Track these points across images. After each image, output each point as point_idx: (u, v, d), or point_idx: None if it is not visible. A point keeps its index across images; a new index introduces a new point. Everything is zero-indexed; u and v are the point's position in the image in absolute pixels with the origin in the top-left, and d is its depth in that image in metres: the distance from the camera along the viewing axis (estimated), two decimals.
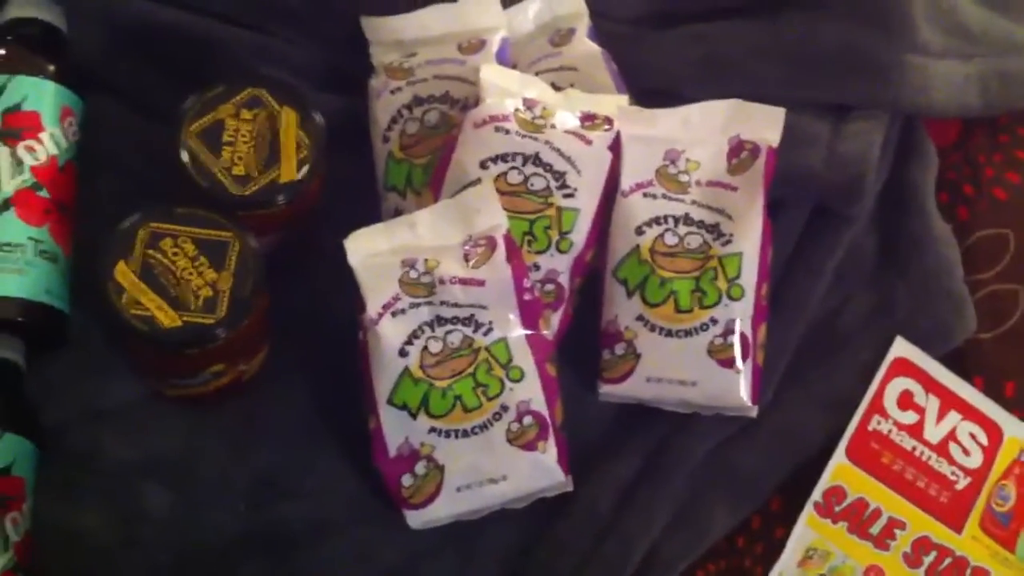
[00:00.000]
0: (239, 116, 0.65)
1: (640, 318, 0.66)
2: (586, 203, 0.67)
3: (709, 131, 0.69)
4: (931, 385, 0.69)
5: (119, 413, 0.65)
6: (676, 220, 0.68)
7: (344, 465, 0.66)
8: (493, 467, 0.63)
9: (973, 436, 0.69)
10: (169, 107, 0.65)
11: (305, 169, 0.65)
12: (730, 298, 0.66)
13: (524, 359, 0.64)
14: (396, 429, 0.62)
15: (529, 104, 0.68)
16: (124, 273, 0.61)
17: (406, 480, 0.62)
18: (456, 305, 0.63)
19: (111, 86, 0.72)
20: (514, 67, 0.72)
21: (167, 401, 0.66)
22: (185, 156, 0.64)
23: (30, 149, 0.67)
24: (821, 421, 0.69)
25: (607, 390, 0.67)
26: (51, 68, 0.69)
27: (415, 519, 0.63)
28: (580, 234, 0.66)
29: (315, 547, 0.64)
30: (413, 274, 0.64)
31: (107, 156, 0.71)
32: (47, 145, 0.67)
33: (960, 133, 0.79)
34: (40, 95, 0.68)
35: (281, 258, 0.67)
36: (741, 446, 0.68)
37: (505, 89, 0.68)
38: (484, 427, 0.63)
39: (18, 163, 0.66)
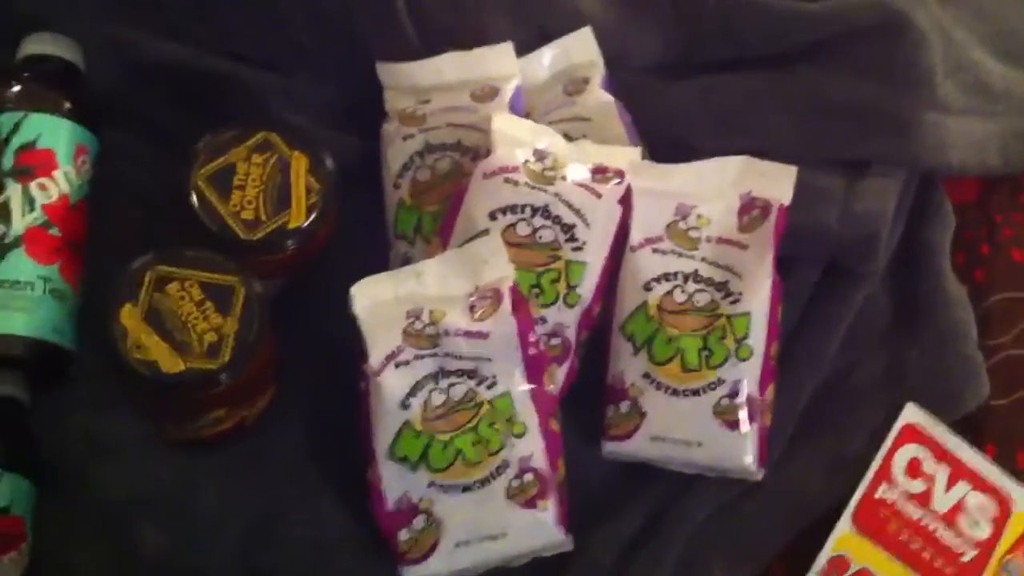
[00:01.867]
0: (250, 160, 0.65)
1: (646, 376, 0.66)
2: (594, 257, 0.66)
3: (721, 187, 0.69)
4: (941, 453, 0.68)
5: (119, 451, 0.65)
6: (685, 277, 0.67)
7: (341, 513, 0.65)
8: (492, 524, 0.62)
9: (982, 507, 0.67)
10: (184, 145, 0.65)
11: (314, 215, 0.65)
12: (738, 358, 0.65)
13: (527, 414, 0.63)
14: (395, 482, 0.62)
15: (540, 155, 0.67)
16: (129, 316, 0.61)
17: (403, 535, 0.62)
18: (460, 357, 0.63)
19: (127, 123, 0.73)
20: (528, 115, 0.72)
21: (168, 441, 0.66)
22: (194, 199, 0.64)
23: (43, 187, 0.67)
24: (827, 485, 0.68)
25: (611, 448, 0.66)
26: (67, 105, 0.69)
27: (411, 575, 0.62)
28: (588, 288, 0.66)
29: None
30: (418, 325, 0.63)
31: (121, 193, 0.71)
32: (60, 183, 0.68)
33: (979, 191, 0.78)
34: (55, 133, 0.68)
35: (288, 302, 0.67)
36: (745, 508, 0.67)
37: (517, 139, 0.67)
38: (484, 482, 0.62)
39: (30, 201, 0.66)
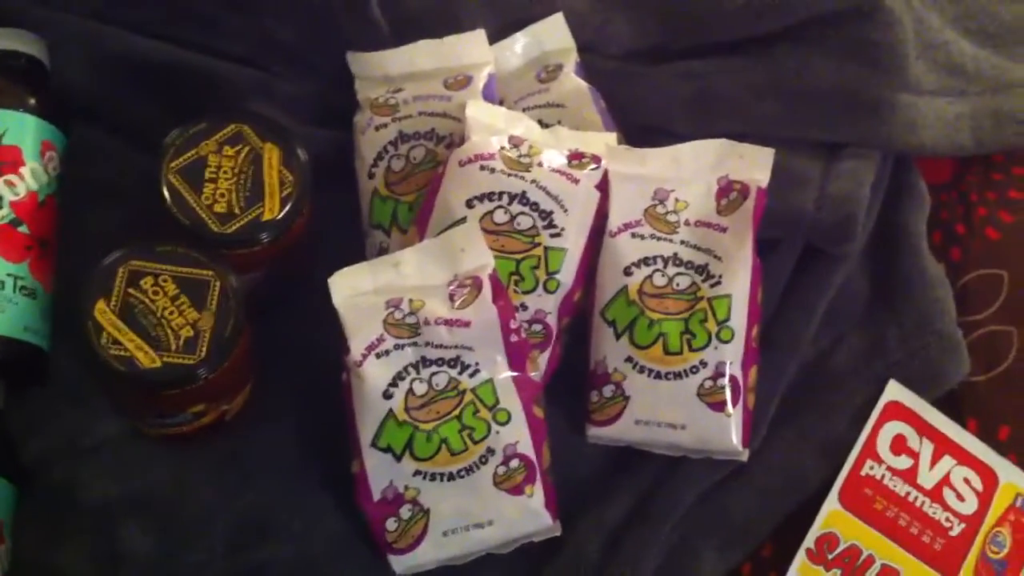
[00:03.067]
0: (221, 152, 0.64)
1: (629, 360, 0.65)
2: (573, 243, 0.66)
3: (698, 171, 0.68)
4: (925, 429, 0.68)
5: (100, 450, 0.64)
6: (665, 261, 0.67)
7: (328, 507, 0.65)
8: (479, 511, 0.62)
9: (968, 481, 0.67)
10: (154, 140, 0.64)
11: (288, 207, 0.64)
12: (720, 340, 0.65)
13: (511, 401, 0.63)
14: (380, 472, 0.61)
15: (515, 142, 0.67)
16: (104, 312, 0.60)
17: (390, 524, 0.61)
18: (441, 346, 0.62)
19: (95, 118, 0.71)
20: (501, 103, 0.72)
21: (149, 439, 0.65)
22: (166, 193, 0.63)
23: (10, 184, 0.66)
24: (813, 465, 0.68)
25: (595, 432, 0.66)
26: (32, 102, 0.68)
27: (400, 564, 0.62)
28: (568, 274, 0.66)
29: None
30: (398, 315, 0.63)
31: (91, 189, 0.70)
32: (27, 180, 0.66)
33: (954, 171, 0.78)
34: (21, 129, 0.67)
35: (265, 295, 0.66)
36: (732, 490, 0.67)
37: (491, 126, 0.67)
38: (470, 470, 0.62)
39: None
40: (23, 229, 0.66)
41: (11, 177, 0.66)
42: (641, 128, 0.72)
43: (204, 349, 0.59)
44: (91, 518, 0.63)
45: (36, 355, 0.65)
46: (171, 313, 0.60)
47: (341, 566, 0.64)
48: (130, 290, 0.60)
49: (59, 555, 0.62)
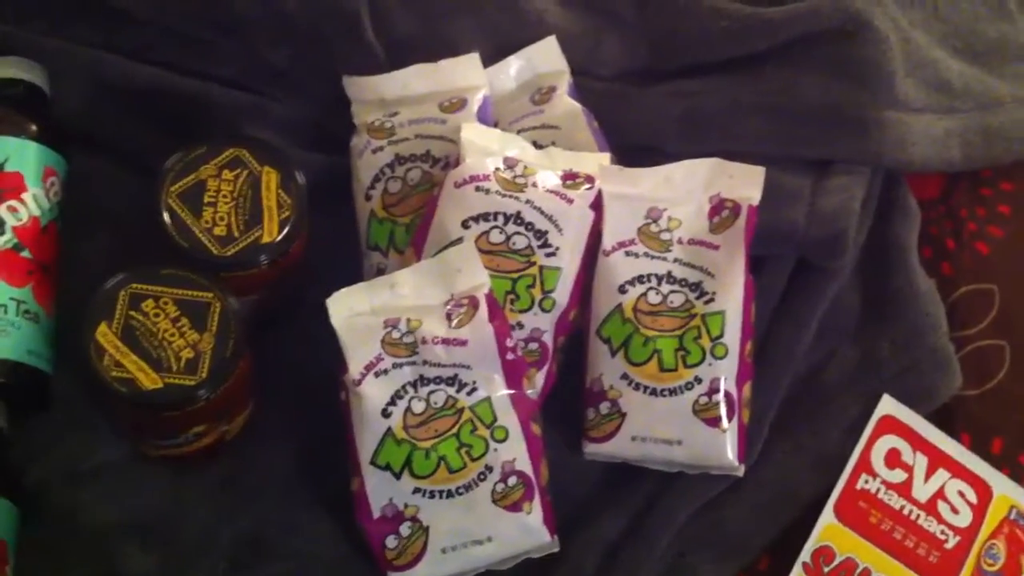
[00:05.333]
0: (220, 176, 0.65)
1: (624, 377, 0.66)
2: (568, 262, 0.66)
3: (690, 189, 0.69)
4: (919, 443, 0.69)
5: (101, 473, 0.65)
6: (659, 279, 0.68)
7: (327, 526, 0.65)
8: (478, 528, 0.62)
9: (962, 494, 0.68)
10: (153, 165, 0.65)
11: (287, 230, 0.65)
12: (714, 357, 0.66)
13: (508, 419, 0.63)
14: (380, 490, 0.62)
15: (510, 163, 0.68)
16: (106, 335, 0.60)
17: (391, 542, 0.62)
18: (439, 365, 0.63)
19: (95, 145, 0.72)
20: (495, 125, 0.72)
21: (150, 461, 0.66)
22: (166, 217, 0.64)
23: (12, 210, 0.67)
24: (809, 478, 0.68)
25: (592, 449, 0.67)
26: (33, 128, 0.69)
27: None
28: (563, 293, 0.66)
29: None
30: (396, 334, 0.63)
31: (91, 215, 0.71)
32: (29, 206, 0.67)
33: (942, 187, 0.79)
34: (23, 156, 0.68)
35: (264, 317, 0.66)
36: (728, 505, 0.67)
37: (485, 148, 0.68)
38: (469, 488, 0.62)
39: (0, 223, 0.66)
40: (25, 254, 0.66)
41: (13, 203, 0.67)
42: (633, 148, 0.73)
43: (205, 370, 0.60)
44: (92, 541, 0.63)
45: (39, 379, 0.66)
46: (172, 335, 0.61)
47: None
48: (132, 313, 0.61)
49: None
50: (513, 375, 0.64)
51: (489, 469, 0.62)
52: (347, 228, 0.71)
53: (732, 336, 0.66)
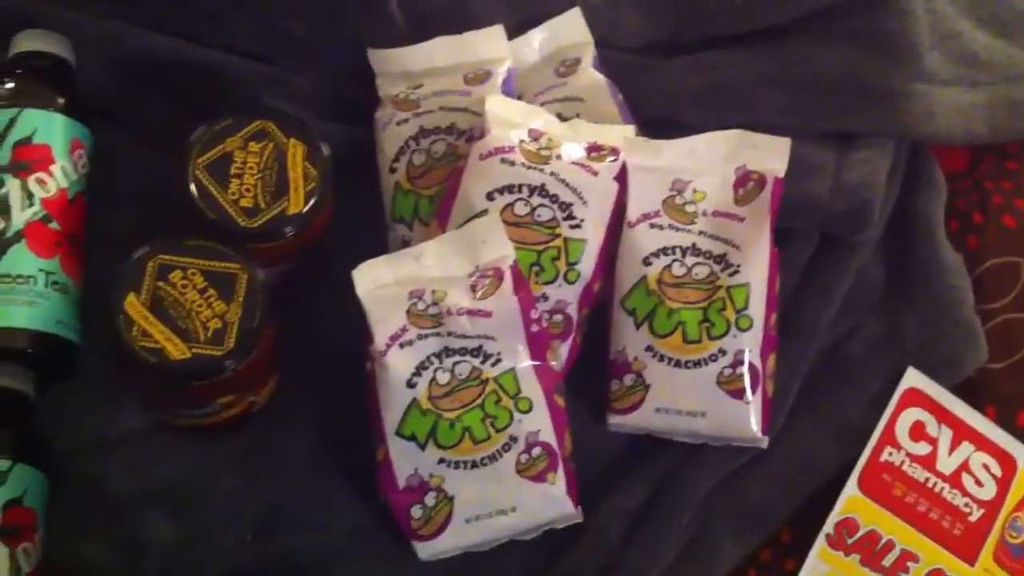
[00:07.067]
0: (247, 148, 0.65)
1: (649, 349, 0.66)
2: (593, 234, 0.67)
3: (715, 161, 0.69)
4: (944, 416, 0.69)
5: (128, 443, 0.66)
6: (683, 251, 0.67)
7: (352, 496, 0.66)
8: (502, 498, 0.62)
9: (986, 467, 0.68)
10: (178, 138, 0.65)
11: (312, 201, 0.65)
12: (739, 329, 0.66)
13: (532, 390, 0.63)
14: (405, 460, 0.62)
15: (535, 135, 0.68)
16: (134, 305, 0.61)
17: (416, 511, 0.62)
18: (464, 336, 0.63)
19: (120, 118, 0.73)
20: (519, 98, 0.72)
21: (176, 431, 0.66)
22: (193, 188, 0.64)
23: (41, 182, 0.67)
24: (832, 451, 0.69)
25: (616, 421, 0.67)
26: (60, 101, 0.69)
27: (424, 551, 0.62)
28: (587, 265, 0.66)
29: None
30: (421, 305, 0.63)
31: (117, 188, 0.71)
32: (57, 178, 0.68)
33: (969, 160, 0.79)
34: (50, 128, 0.68)
35: (289, 289, 0.67)
36: (751, 476, 0.67)
37: (510, 120, 0.68)
38: (493, 458, 0.62)
39: (29, 196, 0.66)
40: (54, 225, 0.67)
41: (41, 175, 0.67)
42: (655, 120, 0.73)
43: (232, 340, 0.61)
44: (118, 509, 0.64)
45: (67, 349, 0.66)
46: (200, 306, 0.61)
47: (365, 554, 0.65)
48: (160, 283, 0.61)
49: (86, 545, 0.63)
50: (537, 346, 0.64)
51: (513, 440, 0.63)
52: (368, 200, 0.71)
53: (757, 308, 0.66)
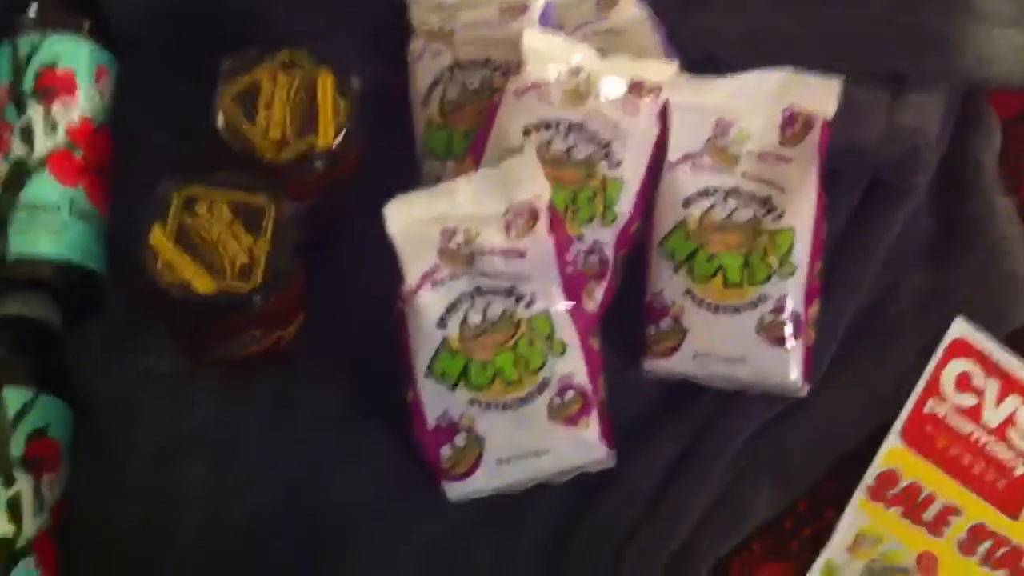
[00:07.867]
0: (276, 79, 0.64)
1: (687, 293, 0.64)
2: (632, 174, 0.65)
3: (762, 101, 0.67)
4: (991, 367, 0.67)
5: (156, 386, 0.65)
6: (726, 193, 0.65)
7: (383, 442, 0.64)
8: (534, 441, 0.61)
9: None
10: (205, 70, 0.63)
11: (343, 135, 0.63)
12: (782, 274, 0.64)
13: (566, 332, 0.62)
14: (435, 400, 0.61)
15: (573, 71, 0.66)
16: (159, 238, 0.59)
17: (445, 451, 0.61)
18: (497, 276, 0.62)
19: (147, 50, 0.71)
20: (559, 30, 0.70)
21: (204, 369, 0.65)
22: (220, 120, 0.62)
23: (65, 109, 0.65)
24: (873, 403, 0.67)
25: (652, 365, 0.65)
26: (86, 26, 0.67)
27: (454, 491, 0.61)
28: (625, 205, 0.65)
29: (354, 525, 0.63)
30: (453, 244, 0.62)
31: (143, 120, 0.70)
32: (82, 105, 0.66)
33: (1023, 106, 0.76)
34: (75, 54, 0.67)
35: (316, 226, 0.65)
36: (789, 427, 0.66)
37: (548, 55, 0.66)
38: (525, 401, 0.61)
39: (52, 123, 0.65)
40: (78, 154, 0.65)
41: (66, 101, 0.66)
42: (694, 59, 0.70)
43: (260, 275, 0.59)
44: (147, 453, 0.63)
45: (93, 279, 0.65)
46: (226, 239, 0.60)
47: (397, 499, 0.64)
48: (185, 216, 0.60)
49: (114, 490, 0.63)
50: (572, 288, 0.62)
51: (547, 382, 0.61)
52: (399, 139, 0.69)
53: (801, 254, 0.64)
